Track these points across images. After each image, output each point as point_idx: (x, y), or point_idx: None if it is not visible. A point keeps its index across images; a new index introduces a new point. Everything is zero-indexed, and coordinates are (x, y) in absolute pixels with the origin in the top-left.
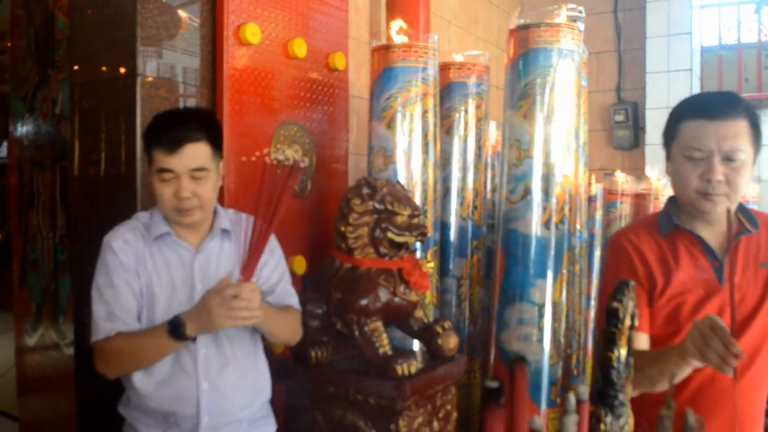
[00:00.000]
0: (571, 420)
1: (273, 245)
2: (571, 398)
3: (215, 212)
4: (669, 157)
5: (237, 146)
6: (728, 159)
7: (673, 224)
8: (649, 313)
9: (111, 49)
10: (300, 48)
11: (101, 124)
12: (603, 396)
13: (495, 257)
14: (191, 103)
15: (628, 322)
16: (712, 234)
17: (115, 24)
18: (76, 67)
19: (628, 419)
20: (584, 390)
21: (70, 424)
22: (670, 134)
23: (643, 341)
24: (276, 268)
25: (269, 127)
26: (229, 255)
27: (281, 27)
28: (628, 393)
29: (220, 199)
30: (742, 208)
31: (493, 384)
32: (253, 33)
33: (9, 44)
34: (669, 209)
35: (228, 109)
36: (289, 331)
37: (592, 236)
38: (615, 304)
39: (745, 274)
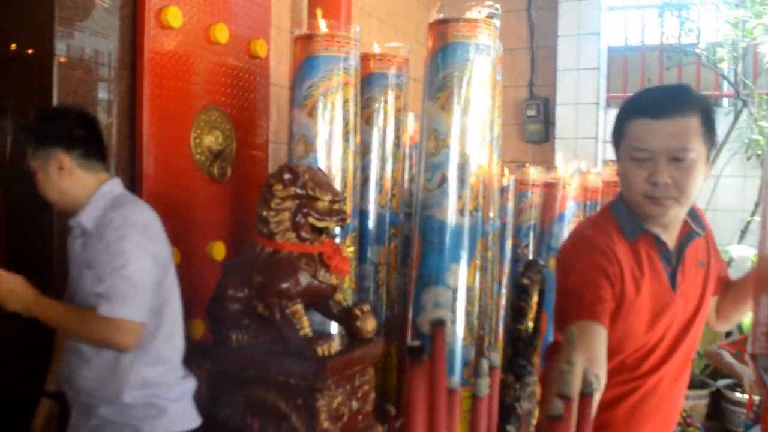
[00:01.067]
0: (484, 383)
1: (101, 249)
2: (484, 363)
3: (89, 204)
4: (618, 158)
5: (157, 131)
6: (676, 159)
7: (642, 229)
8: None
9: (25, 28)
10: (222, 33)
11: (13, 105)
12: (512, 365)
13: (412, 243)
14: (111, 86)
15: (536, 297)
16: (669, 238)
17: (30, 2)
18: None
19: (534, 388)
20: (496, 357)
21: None
22: (617, 133)
23: (602, 336)
24: (105, 270)
25: (190, 112)
26: (84, 247)
27: (203, 11)
28: (534, 363)
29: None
30: (689, 209)
31: (416, 343)
32: (174, 16)
33: None
34: (629, 211)
35: (148, 93)
36: (75, 332)
37: (504, 225)
38: (525, 281)
39: (689, 278)
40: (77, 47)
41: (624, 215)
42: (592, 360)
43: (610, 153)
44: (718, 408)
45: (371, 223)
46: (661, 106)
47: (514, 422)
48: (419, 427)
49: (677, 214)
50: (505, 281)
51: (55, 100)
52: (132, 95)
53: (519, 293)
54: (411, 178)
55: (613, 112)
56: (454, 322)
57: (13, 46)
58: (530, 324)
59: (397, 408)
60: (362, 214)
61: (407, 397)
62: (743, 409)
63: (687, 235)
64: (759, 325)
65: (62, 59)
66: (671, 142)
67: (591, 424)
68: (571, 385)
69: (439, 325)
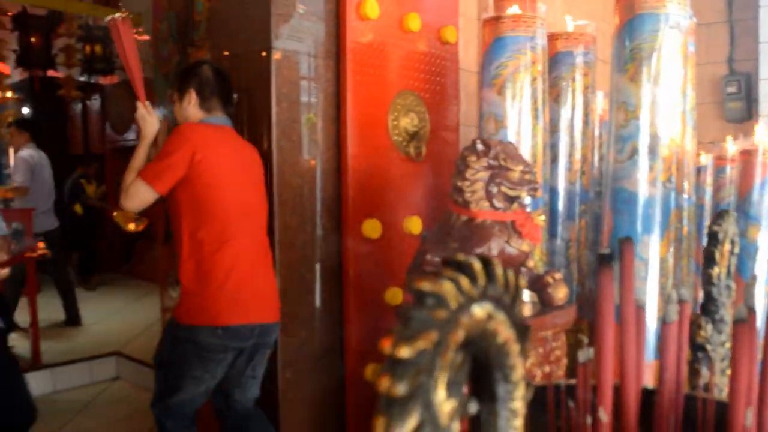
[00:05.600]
0: (673, 308)
1: None
2: (674, 293)
3: None
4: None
5: (359, 114)
6: None
7: None
8: None
9: (247, 26)
10: (414, 22)
11: (239, 93)
12: (705, 310)
13: (603, 215)
14: (319, 72)
15: (727, 246)
16: None
17: (251, 3)
18: (215, 45)
19: (729, 339)
20: (686, 291)
21: None
22: None
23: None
24: None
25: (387, 95)
26: None
27: (397, 3)
28: (730, 313)
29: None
30: None
31: (606, 250)
32: (372, 8)
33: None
34: None
35: (351, 80)
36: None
37: (701, 207)
38: (715, 228)
39: None
40: (290, 40)
41: None
42: None
43: None
44: None
45: (561, 200)
46: None
47: (705, 363)
48: (609, 329)
49: None
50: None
51: (273, 88)
52: (337, 82)
53: (710, 239)
54: (600, 157)
55: None
56: (645, 293)
57: (241, 44)
58: (723, 270)
59: None
60: (552, 192)
61: (597, 303)
62: None
63: None
64: None
65: (278, 52)
66: None
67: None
68: None
69: (627, 241)
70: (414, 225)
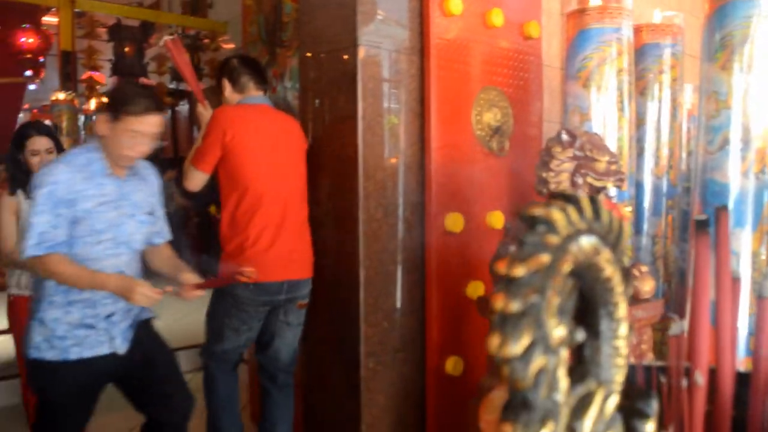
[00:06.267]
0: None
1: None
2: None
3: None
4: None
5: (443, 108)
6: None
7: None
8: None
9: (334, 25)
10: (497, 17)
11: (326, 90)
12: None
13: (692, 208)
14: (403, 69)
15: None
16: None
17: (337, 3)
18: (303, 45)
19: None
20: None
21: None
22: None
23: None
24: None
25: (471, 91)
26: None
27: None
28: None
29: (428, 157)
30: None
31: (702, 216)
32: (455, 5)
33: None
34: None
35: (434, 76)
36: None
37: None
38: None
39: None
40: (375, 37)
41: None
42: None
43: None
44: None
45: (647, 195)
46: None
47: None
48: (705, 295)
49: None
50: None
51: (359, 83)
52: (421, 77)
53: None
54: (689, 152)
55: None
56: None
57: (328, 42)
58: None
59: None
60: (638, 187)
61: (694, 268)
62: None
63: None
64: None
65: (363, 49)
66: None
67: None
68: None
69: (723, 209)
70: (496, 220)
